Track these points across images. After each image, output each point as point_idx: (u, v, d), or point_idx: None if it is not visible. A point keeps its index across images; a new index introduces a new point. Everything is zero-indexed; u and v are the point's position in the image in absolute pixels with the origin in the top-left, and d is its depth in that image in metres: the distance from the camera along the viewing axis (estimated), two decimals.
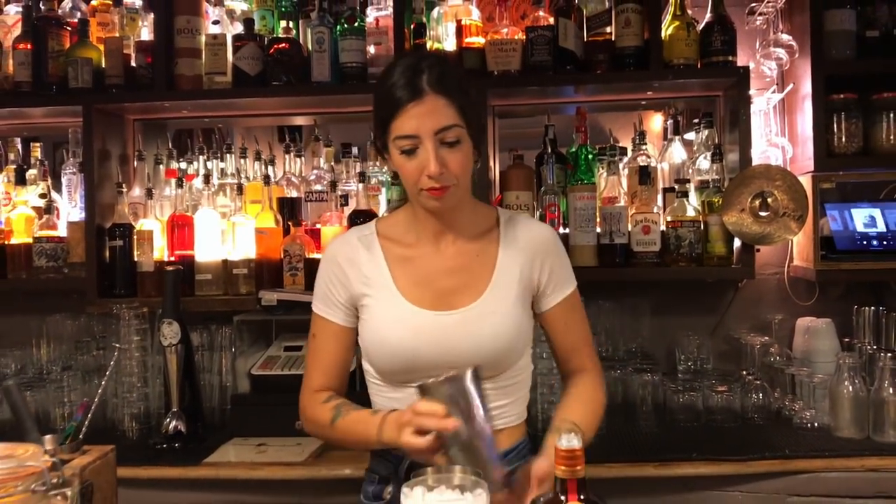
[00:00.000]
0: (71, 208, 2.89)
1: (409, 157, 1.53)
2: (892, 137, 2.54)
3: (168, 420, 2.43)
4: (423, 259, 1.67)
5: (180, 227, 2.73)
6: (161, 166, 2.89)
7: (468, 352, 1.59)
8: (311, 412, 1.69)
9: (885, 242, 2.59)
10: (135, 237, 2.75)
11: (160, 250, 2.77)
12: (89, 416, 1.56)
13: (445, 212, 1.63)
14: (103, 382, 1.78)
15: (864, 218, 2.62)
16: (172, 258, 2.72)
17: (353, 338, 1.72)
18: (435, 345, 1.61)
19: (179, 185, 2.74)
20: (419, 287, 1.65)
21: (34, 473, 0.99)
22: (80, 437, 1.51)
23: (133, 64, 2.78)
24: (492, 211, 1.77)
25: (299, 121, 3.07)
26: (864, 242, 2.59)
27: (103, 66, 2.77)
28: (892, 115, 2.53)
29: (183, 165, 2.94)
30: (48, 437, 1.39)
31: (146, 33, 2.82)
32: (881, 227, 2.61)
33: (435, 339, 1.61)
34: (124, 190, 2.78)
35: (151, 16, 2.78)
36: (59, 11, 2.86)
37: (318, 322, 1.71)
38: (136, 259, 2.75)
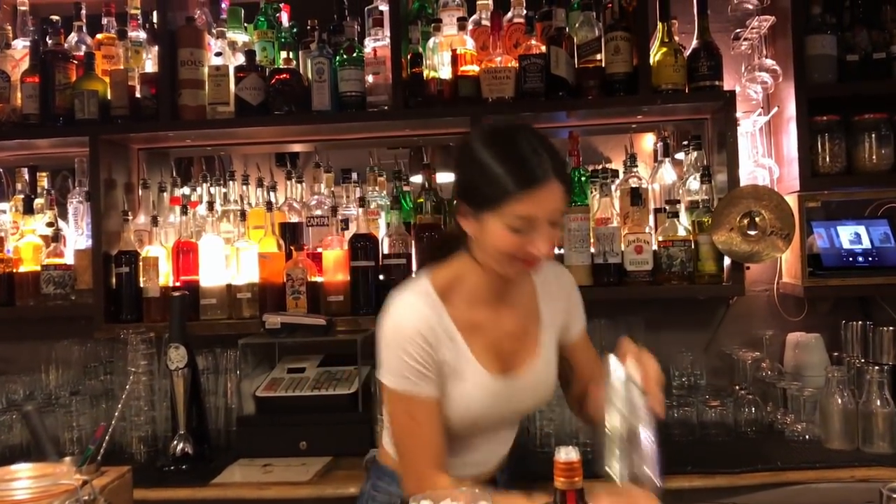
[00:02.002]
0: (77, 236, 2.96)
1: (517, 234, 1.52)
2: (874, 157, 2.62)
3: (175, 442, 2.49)
4: (489, 324, 1.68)
5: (185, 253, 2.80)
6: (165, 194, 2.96)
7: (529, 408, 1.80)
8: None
9: (870, 258, 2.67)
10: (141, 264, 2.82)
11: (165, 276, 2.83)
12: (106, 438, 1.62)
13: (514, 277, 1.66)
14: (119, 406, 1.85)
15: (849, 235, 2.70)
16: (178, 283, 2.79)
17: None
18: (505, 407, 1.70)
19: (184, 211, 2.81)
20: (490, 353, 1.67)
21: (68, 491, 1.06)
22: (98, 459, 1.57)
23: (138, 95, 2.86)
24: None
25: (299, 148, 3.14)
26: (851, 259, 2.67)
27: (109, 97, 2.85)
28: (873, 136, 2.62)
29: (186, 192, 3.00)
30: (68, 459, 1.46)
31: (150, 65, 2.90)
32: (866, 244, 2.69)
33: (506, 403, 1.69)
34: (130, 218, 2.85)
35: (155, 48, 2.86)
36: (66, 45, 2.94)
37: (411, 402, 1.59)
38: (142, 285, 2.82)
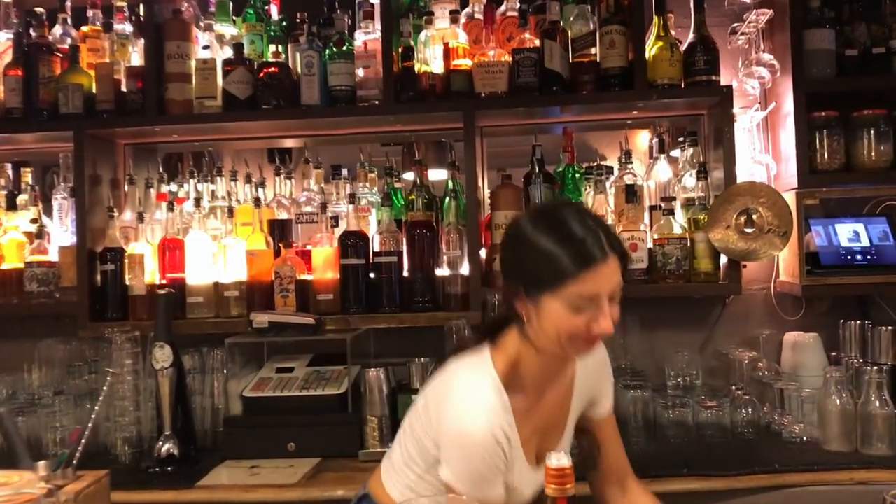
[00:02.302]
0: (62, 233, 2.90)
1: (579, 314, 1.49)
2: (873, 154, 2.58)
3: (160, 443, 2.44)
4: (535, 410, 1.63)
5: (171, 251, 2.75)
6: (152, 190, 2.91)
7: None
8: None
9: (869, 257, 2.63)
10: (126, 261, 2.77)
11: (151, 274, 2.78)
12: (82, 442, 1.56)
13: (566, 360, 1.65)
14: (96, 408, 1.78)
15: (848, 233, 2.66)
16: (164, 281, 2.73)
17: None
18: (530, 497, 1.66)
19: (170, 208, 2.75)
20: (531, 441, 1.62)
21: (30, 501, 1.01)
22: (74, 463, 1.52)
23: (124, 89, 2.80)
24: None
25: (289, 143, 3.09)
26: (849, 257, 2.63)
27: (94, 91, 2.79)
28: (872, 132, 2.58)
29: (173, 188, 2.95)
30: (41, 463, 1.41)
31: (137, 59, 2.84)
32: (865, 242, 2.65)
33: (532, 493, 1.64)
34: (115, 214, 2.80)
35: (142, 41, 2.80)
36: (50, 38, 2.88)
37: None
38: (127, 283, 2.76)
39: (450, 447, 1.54)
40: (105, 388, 1.83)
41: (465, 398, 1.56)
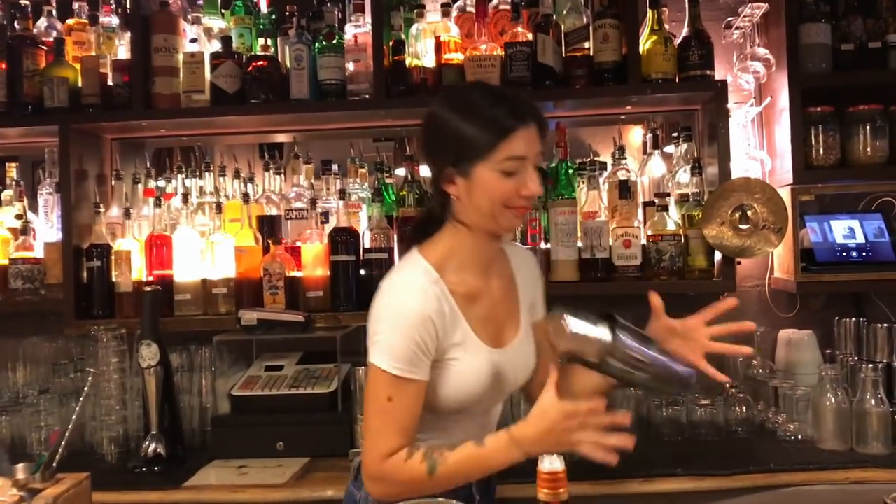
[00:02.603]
0: (48, 229, 2.85)
1: (509, 178, 1.56)
2: (868, 149, 2.55)
3: (147, 443, 2.40)
4: (482, 296, 1.69)
5: (158, 247, 2.70)
6: (139, 185, 2.86)
7: (513, 384, 1.74)
8: (397, 476, 1.55)
9: (864, 254, 2.61)
10: (112, 257, 2.72)
11: (138, 270, 2.74)
12: (63, 444, 1.53)
13: (499, 241, 1.72)
14: (77, 408, 1.74)
15: (843, 230, 2.64)
16: (151, 278, 2.69)
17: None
18: (498, 383, 1.67)
19: (157, 204, 2.71)
20: (486, 326, 1.68)
21: None
22: (54, 465, 1.48)
23: (110, 83, 2.75)
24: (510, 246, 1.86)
25: (280, 138, 3.05)
26: (844, 254, 2.60)
27: (79, 85, 2.74)
28: (868, 128, 2.55)
29: (162, 184, 2.90)
30: (19, 466, 1.37)
31: (123, 52, 2.79)
32: (860, 239, 2.63)
33: (499, 378, 1.67)
34: (101, 210, 2.75)
35: (128, 34, 2.75)
36: (35, 30, 2.83)
37: (399, 384, 1.56)
38: (114, 280, 2.72)
39: (381, 330, 1.58)
40: (87, 387, 1.78)
41: (397, 285, 1.63)
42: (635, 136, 2.99)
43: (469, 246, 1.67)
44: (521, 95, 1.65)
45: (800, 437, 2.39)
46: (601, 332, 1.51)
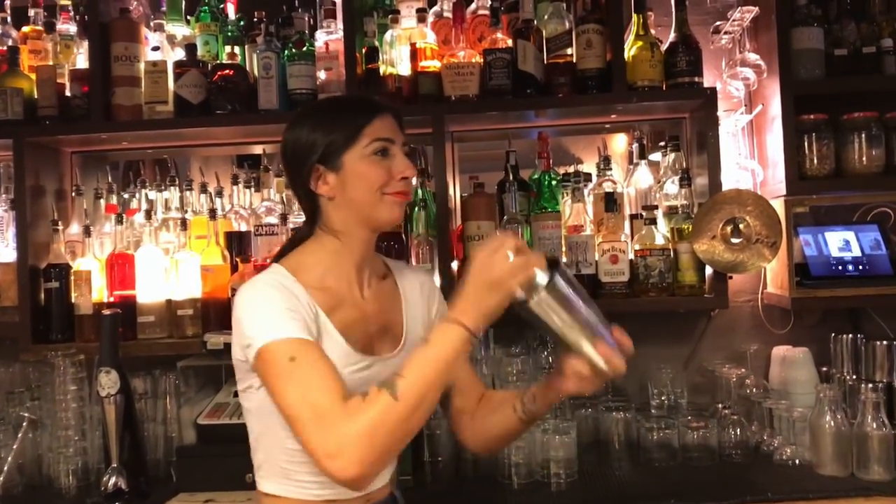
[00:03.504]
0: (2, 248, 2.70)
1: (382, 159, 1.53)
2: (864, 158, 2.45)
3: (107, 477, 2.25)
4: (349, 304, 1.57)
5: (120, 266, 2.56)
6: (101, 201, 2.72)
7: None
8: (362, 422, 1.27)
9: (860, 267, 2.50)
10: (72, 278, 2.57)
11: (99, 291, 2.59)
12: None
13: (372, 245, 1.63)
14: (14, 447, 1.59)
15: (838, 242, 2.53)
16: (112, 299, 2.54)
17: None
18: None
19: (119, 220, 2.57)
20: (356, 333, 1.55)
21: None
22: None
23: (68, 94, 2.61)
24: (378, 256, 1.74)
25: (251, 150, 2.90)
26: (840, 268, 2.50)
27: (35, 96, 2.60)
28: (863, 136, 2.44)
29: (133, 198, 2.75)
30: None
31: (82, 61, 2.65)
32: (856, 252, 2.52)
33: (367, 385, 1.44)
34: (60, 228, 2.61)
35: (87, 42, 2.61)
36: None
37: (293, 345, 1.37)
38: (73, 301, 2.57)
39: (242, 318, 1.44)
40: (24, 424, 1.63)
41: (243, 288, 1.51)
42: (620, 142, 2.87)
43: (332, 255, 1.58)
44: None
45: (797, 461, 2.27)
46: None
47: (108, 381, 2.26)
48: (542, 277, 1.34)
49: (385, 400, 1.29)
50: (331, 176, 1.53)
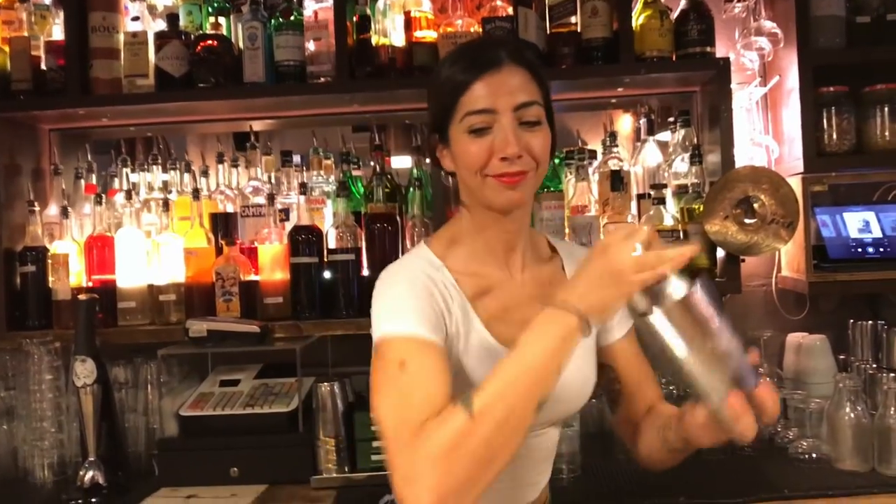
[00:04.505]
0: None
1: (478, 137, 1.30)
2: (886, 133, 2.30)
3: (83, 472, 2.15)
4: (500, 287, 1.39)
5: (99, 249, 2.43)
6: (81, 181, 2.58)
7: (558, 407, 1.38)
8: (434, 444, 1.08)
9: (881, 249, 2.36)
10: (49, 261, 2.44)
11: (78, 275, 2.46)
12: None
13: (514, 223, 1.39)
14: None
15: (858, 223, 2.39)
16: (90, 284, 2.42)
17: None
18: None
19: (98, 201, 2.43)
20: (503, 323, 1.36)
21: None
22: None
23: (43, 67, 2.47)
24: (540, 235, 1.56)
25: (241, 127, 2.75)
26: (860, 250, 2.36)
27: (9, 69, 2.46)
28: (886, 110, 2.30)
29: (135, 178, 2.62)
30: None
31: (58, 32, 2.51)
32: (877, 233, 2.38)
33: None
34: (37, 209, 2.47)
35: (63, 12, 2.47)
36: None
37: (411, 346, 1.22)
38: (50, 286, 2.44)
39: (377, 304, 1.30)
40: None
41: (389, 271, 1.37)
42: (626, 124, 2.73)
43: (474, 230, 1.41)
44: (513, 41, 1.49)
45: (814, 455, 2.13)
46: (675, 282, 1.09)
47: (85, 371, 2.15)
48: (676, 285, 1.08)
49: (459, 419, 1.09)
50: (444, 149, 1.39)
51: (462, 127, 1.31)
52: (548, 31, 2.37)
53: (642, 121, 2.55)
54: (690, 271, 1.10)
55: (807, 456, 2.13)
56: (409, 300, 1.28)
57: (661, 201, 2.32)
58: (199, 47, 2.39)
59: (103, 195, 2.46)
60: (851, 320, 2.35)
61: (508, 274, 1.42)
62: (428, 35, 2.38)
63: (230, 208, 2.53)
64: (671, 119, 2.53)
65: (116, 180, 2.62)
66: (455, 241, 1.42)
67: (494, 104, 1.29)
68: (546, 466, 1.50)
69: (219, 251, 2.42)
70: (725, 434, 1.17)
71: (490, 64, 1.30)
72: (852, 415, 2.07)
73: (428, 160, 1.45)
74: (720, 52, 2.39)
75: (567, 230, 2.36)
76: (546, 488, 1.53)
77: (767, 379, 1.16)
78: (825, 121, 2.32)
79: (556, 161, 2.46)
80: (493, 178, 1.31)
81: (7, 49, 2.47)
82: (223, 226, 2.47)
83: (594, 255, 1.15)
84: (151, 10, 2.53)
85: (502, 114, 1.29)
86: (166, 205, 2.45)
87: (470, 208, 1.41)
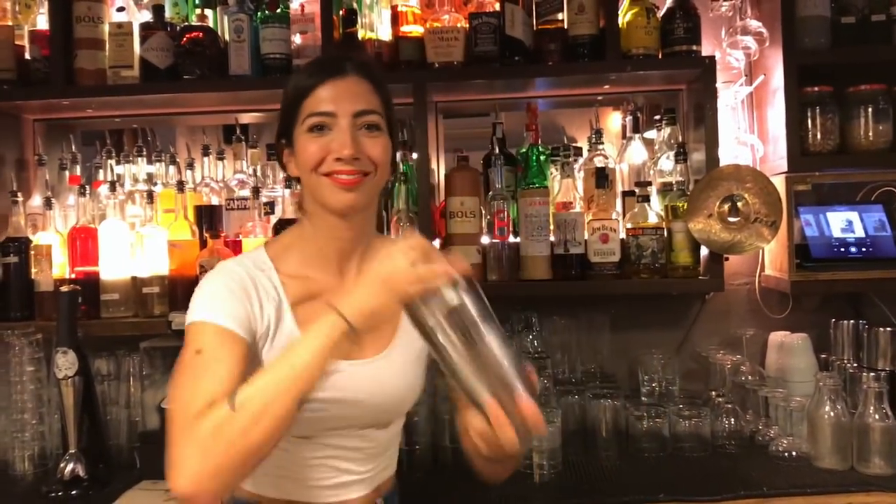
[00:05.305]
0: None
1: (316, 137, 1.37)
2: (870, 134, 2.31)
3: (63, 464, 2.14)
4: (330, 293, 1.37)
5: (83, 240, 2.42)
6: (66, 172, 2.57)
7: (381, 411, 1.45)
8: (199, 439, 1.12)
9: (863, 249, 2.37)
10: (32, 252, 2.43)
11: (61, 267, 2.45)
12: None
13: (351, 229, 1.43)
14: None
15: (841, 222, 2.40)
16: (73, 276, 2.40)
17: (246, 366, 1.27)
18: (341, 400, 1.36)
19: (82, 192, 2.42)
20: None
21: None
22: None
23: (27, 56, 2.47)
24: (390, 241, 1.53)
25: (226, 120, 2.74)
26: (842, 249, 2.36)
27: None
28: (870, 110, 2.30)
29: (120, 170, 2.60)
30: None
31: (43, 22, 2.49)
32: (859, 233, 2.39)
33: (342, 393, 1.35)
34: (20, 199, 2.46)
35: (47, 2, 2.45)
36: None
37: (209, 333, 1.27)
38: (33, 277, 2.43)
39: (194, 295, 1.35)
40: None
41: (215, 269, 1.42)
42: (613, 122, 2.74)
43: (310, 236, 1.45)
44: (358, 56, 1.52)
45: (794, 453, 2.14)
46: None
47: (66, 363, 2.14)
48: (448, 295, 1.15)
49: (223, 410, 1.13)
50: (288, 154, 1.44)
51: (303, 128, 1.37)
52: (535, 28, 2.37)
53: (628, 118, 2.56)
54: (466, 282, 1.17)
55: (787, 454, 2.15)
56: (221, 293, 1.32)
57: (646, 199, 2.33)
58: (184, 39, 2.38)
59: (87, 186, 2.45)
60: (833, 319, 2.36)
61: (340, 280, 1.44)
62: (414, 30, 2.38)
63: (215, 201, 2.53)
64: (657, 117, 2.53)
65: (101, 171, 2.61)
66: (291, 246, 1.46)
67: (335, 108, 1.36)
68: (376, 464, 1.49)
69: (203, 244, 2.41)
70: (502, 442, 1.15)
71: (334, 71, 1.38)
72: (832, 413, 2.08)
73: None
74: (706, 50, 2.39)
75: (552, 226, 2.36)
76: (388, 482, 1.55)
77: (534, 395, 1.16)
78: (809, 120, 2.32)
79: (542, 157, 2.47)
80: (328, 178, 1.36)
81: None
82: (208, 218, 2.47)
83: (375, 263, 1.21)
84: (137, 0, 2.52)
85: (341, 117, 1.36)
86: (151, 197, 2.44)
87: (310, 214, 1.44)
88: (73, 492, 2.11)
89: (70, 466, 2.13)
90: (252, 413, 1.13)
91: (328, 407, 1.33)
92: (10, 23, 2.49)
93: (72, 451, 2.15)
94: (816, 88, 2.32)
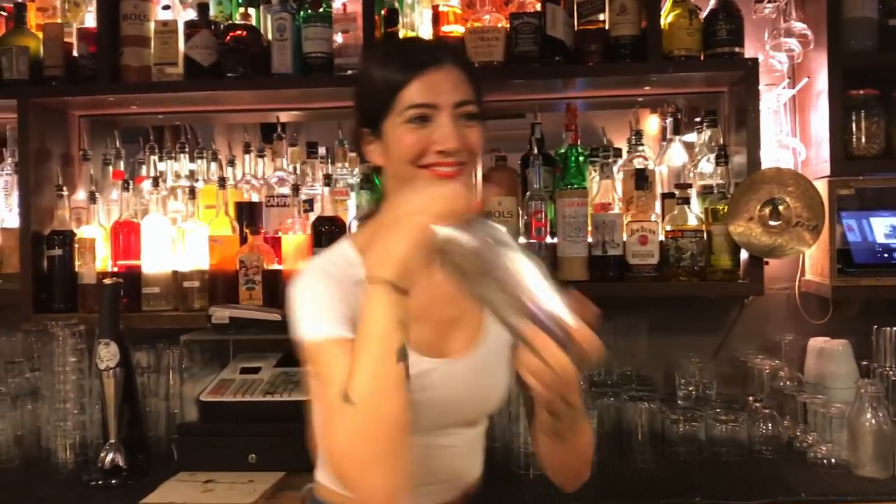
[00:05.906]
0: (6, 213, 2.61)
1: (416, 129, 1.32)
2: None
3: (104, 453, 2.18)
4: (417, 285, 1.29)
5: (125, 235, 2.46)
6: (109, 167, 2.62)
7: (473, 409, 1.44)
8: (327, 436, 1.16)
9: None
10: (76, 245, 2.48)
11: (104, 260, 2.50)
12: None
13: None
14: None
15: (884, 228, 2.36)
16: (116, 269, 2.45)
17: None
18: (438, 400, 1.34)
19: (125, 187, 2.46)
20: (416, 321, 1.27)
21: None
22: None
23: (75, 53, 2.51)
24: None
25: (267, 118, 2.77)
26: (886, 255, 2.33)
27: (41, 56, 2.50)
28: None
29: (162, 166, 2.64)
30: None
31: (91, 19, 2.54)
32: None
33: (438, 393, 1.33)
34: (65, 193, 2.50)
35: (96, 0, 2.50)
36: None
37: (327, 349, 1.22)
38: (76, 270, 2.47)
39: (295, 309, 1.30)
40: None
41: (303, 270, 1.37)
42: (653, 125, 2.72)
43: None
44: (447, 42, 1.57)
45: (833, 460, 2.12)
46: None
47: (108, 354, 2.17)
48: (467, 227, 1.11)
49: (334, 405, 1.13)
50: (375, 142, 1.39)
51: (400, 119, 1.33)
52: (576, 28, 2.36)
53: (668, 120, 2.54)
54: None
55: (825, 461, 2.12)
56: (324, 299, 1.28)
57: (686, 201, 2.31)
58: (228, 37, 2.41)
59: (130, 182, 2.50)
60: (875, 326, 2.32)
61: (427, 272, 1.32)
62: (455, 30, 2.38)
63: (255, 198, 2.56)
64: (698, 119, 2.52)
65: (144, 167, 2.65)
66: (375, 236, 1.37)
67: (436, 99, 1.32)
68: (464, 465, 1.47)
69: (243, 240, 2.44)
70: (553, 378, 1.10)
71: (432, 61, 1.34)
72: (873, 421, 2.05)
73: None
74: (749, 52, 2.37)
75: (590, 227, 2.35)
76: (474, 484, 1.50)
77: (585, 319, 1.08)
78: (854, 124, 2.29)
79: (581, 158, 2.46)
80: (427, 169, 1.33)
81: (41, 35, 2.51)
82: (248, 215, 2.50)
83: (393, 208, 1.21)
84: None
85: (443, 108, 1.32)
86: (192, 193, 2.48)
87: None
88: (113, 481, 2.14)
89: (110, 456, 2.17)
90: (363, 395, 1.11)
91: (419, 407, 1.25)
92: (59, 20, 2.54)
93: (112, 440, 2.18)
94: (862, 91, 2.29)
